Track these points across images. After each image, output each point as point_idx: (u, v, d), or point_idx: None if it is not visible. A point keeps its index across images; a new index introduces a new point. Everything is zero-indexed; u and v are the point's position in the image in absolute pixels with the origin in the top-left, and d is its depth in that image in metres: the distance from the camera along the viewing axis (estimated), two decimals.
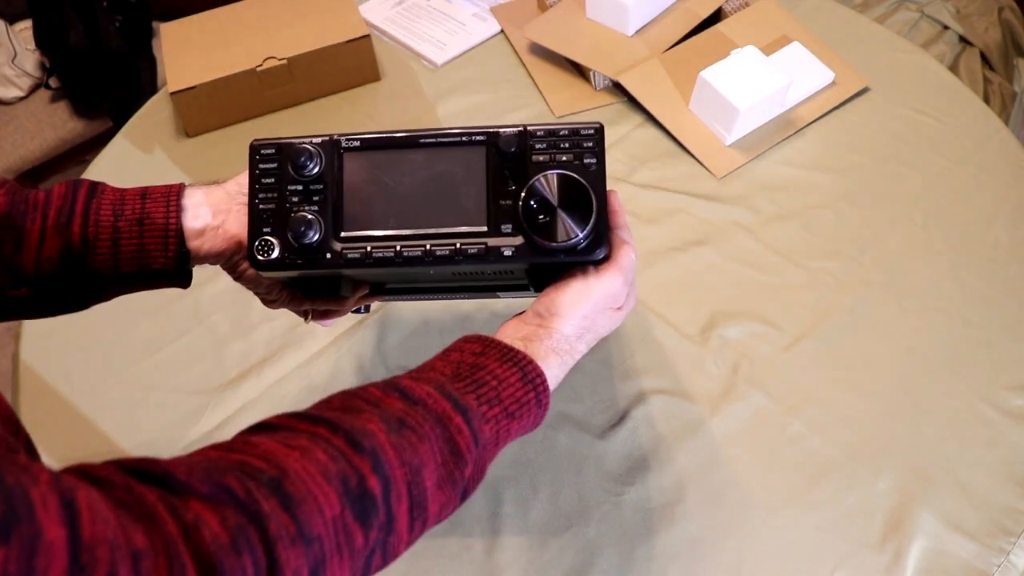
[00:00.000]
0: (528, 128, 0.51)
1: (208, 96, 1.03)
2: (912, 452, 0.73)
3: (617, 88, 1.05)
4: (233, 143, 1.05)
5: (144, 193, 0.54)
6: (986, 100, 1.41)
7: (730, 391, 0.77)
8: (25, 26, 1.70)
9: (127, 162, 1.06)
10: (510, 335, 0.50)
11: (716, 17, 1.11)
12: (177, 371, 0.83)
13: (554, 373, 0.49)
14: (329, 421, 0.40)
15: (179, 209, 0.54)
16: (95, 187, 0.54)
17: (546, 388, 0.48)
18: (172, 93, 1.02)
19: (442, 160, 0.51)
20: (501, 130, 0.51)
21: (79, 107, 1.63)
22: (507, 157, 0.50)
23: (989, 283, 0.84)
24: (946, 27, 1.46)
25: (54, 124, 1.61)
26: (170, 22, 1.12)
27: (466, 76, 1.10)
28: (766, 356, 0.80)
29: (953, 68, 1.41)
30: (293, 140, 0.52)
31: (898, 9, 1.48)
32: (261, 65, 1.03)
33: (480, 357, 0.47)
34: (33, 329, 0.87)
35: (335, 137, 0.52)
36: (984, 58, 1.46)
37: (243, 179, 0.54)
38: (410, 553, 0.69)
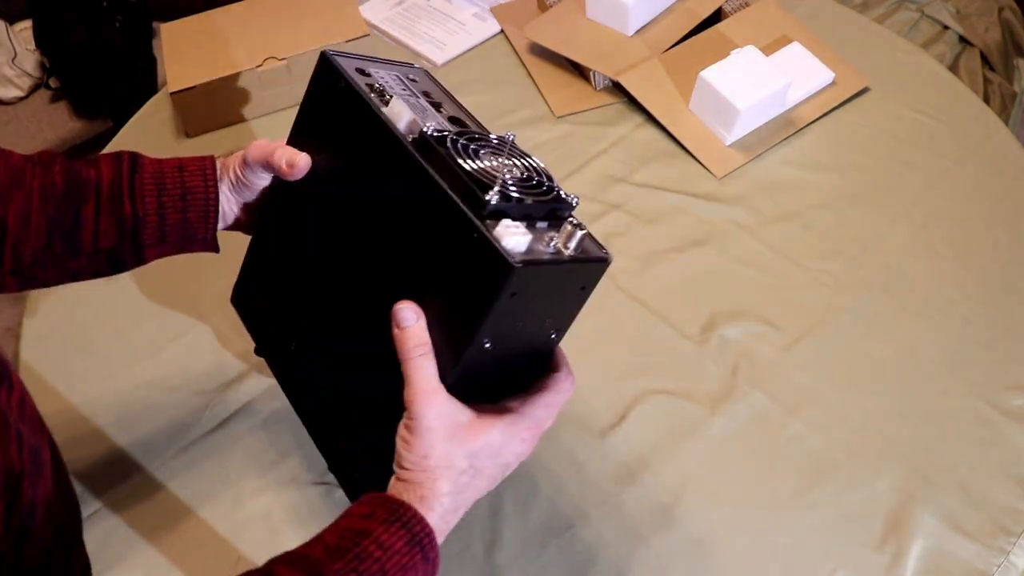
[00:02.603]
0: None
1: (208, 96, 1.03)
2: (912, 452, 0.73)
3: (617, 88, 1.05)
4: (233, 143, 1.05)
5: (180, 166, 0.57)
6: (986, 100, 1.41)
7: (730, 391, 0.77)
8: (25, 26, 1.70)
9: None
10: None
11: (716, 17, 1.11)
12: (177, 371, 0.83)
13: (441, 520, 0.47)
14: None
15: (216, 183, 0.57)
16: (135, 161, 0.57)
17: (433, 544, 0.46)
18: (172, 93, 1.02)
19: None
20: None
21: (79, 107, 1.64)
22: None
23: (989, 283, 0.84)
24: (946, 27, 1.46)
25: (54, 124, 1.61)
26: (170, 22, 1.12)
27: (466, 76, 1.10)
28: (766, 356, 0.80)
29: (953, 68, 1.42)
30: None
31: (898, 9, 1.48)
32: (261, 65, 1.03)
33: (367, 521, 0.45)
34: (33, 329, 0.87)
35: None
36: (984, 58, 1.46)
37: None
38: None
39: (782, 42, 1.05)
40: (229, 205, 0.60)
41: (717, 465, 0.73)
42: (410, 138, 0.47)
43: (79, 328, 0.86)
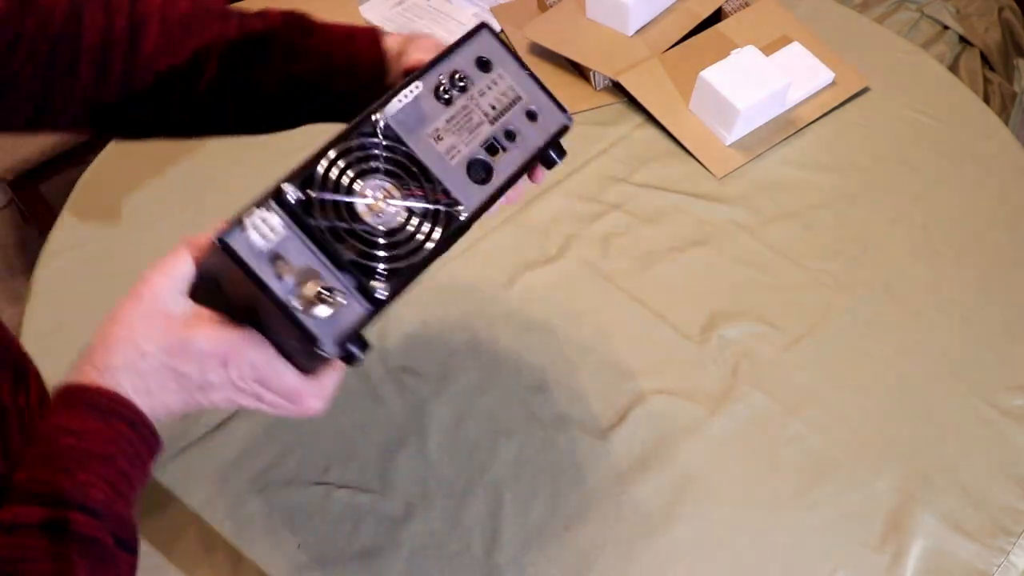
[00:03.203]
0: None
1: None
2: (912, 452, 0.73)
3: (617, 88, 1.05)
4: (234, 143, 1.05)
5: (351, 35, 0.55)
6: (986, 100, 1.41)
7: (730, 391, 0.77)
8: None
9: (128, 163, 1.06)
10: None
11: (716, 17, 1.11)
12: None
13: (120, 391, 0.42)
14: None
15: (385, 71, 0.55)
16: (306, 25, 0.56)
17: (131, 408, 0.42)
18: None
19: None
20: None
21: None
22: None
23: (989, 283, 0.84)
24: (946, 27, 1.47)
25: None
26: None
27: None
28: (766, 356, 0.80)
29: (953, 68, 1.42)
30: None
31: (898, 9, 1.48)
32: None
33: (54, 416, 0.41)
34: (33, 328, 0.87)
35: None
36: (984, 58, 1.46)
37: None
38: (409, 553, 0.69)
39: (782, 42, 1.05)
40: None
41: (717, 465, 0.73)
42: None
43: (79, 328, 0.86)
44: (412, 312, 0.85)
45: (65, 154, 1.63)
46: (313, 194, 0.40)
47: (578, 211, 0.93)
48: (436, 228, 0.43)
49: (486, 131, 0.47)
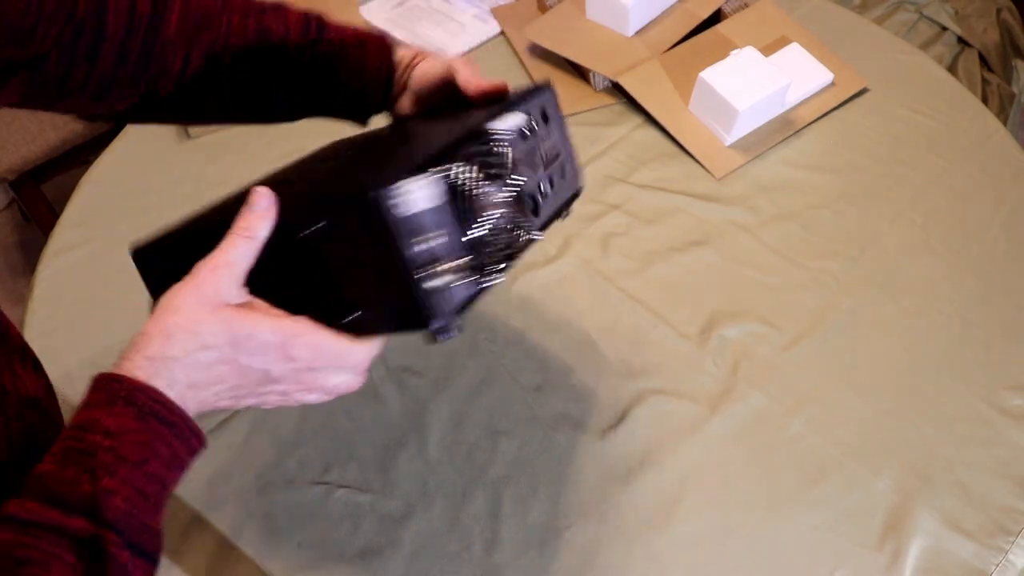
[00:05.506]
0: None
1: None
2: (911, 452, 0.73)
3: (617, 89, 1.05)
4: (234, 144, 1.05)
5: (362, 42, 0.57)
6: (984, 101, 1.41)
7: (729, 391, 0.78)
8: None
9: (129, 163, 1.06)
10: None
11: (715, 18, 1.11)
12: None
13: (169, 389, 0.41)
14: None
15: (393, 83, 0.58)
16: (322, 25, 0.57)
17: (173, 409, 0.41)
18: None
19: None
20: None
21: None
22: None
23: (988, 283, 0.84)
24: (944, 28, 1.47)
25: (56, 125, 1.61)
26: None
27: None
28: (766, 356, 0.80)
29: (951, 69, 1.42)
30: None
31: (897, 10, 1.48)
32: None
33: (91, 409, 0.40)
34: (33, 329, 0.87)
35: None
36: (982, 59, 1.47)
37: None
38: (409, 553, 0.69)
39: (781, 43, 1.05)
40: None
41: (716, 465, 0.73)
42: None
43: (79, 328, 0.87)
44: None
45: (66, 154, 1.63)
46: (458, 178, 0.42)
47: (578, 211, 0.93)
48: (518, 238, 0.46)
49: (540, 173, 0.51)
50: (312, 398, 0.46)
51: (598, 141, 1.01)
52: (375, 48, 0.57)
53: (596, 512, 0.71)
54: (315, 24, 0.57)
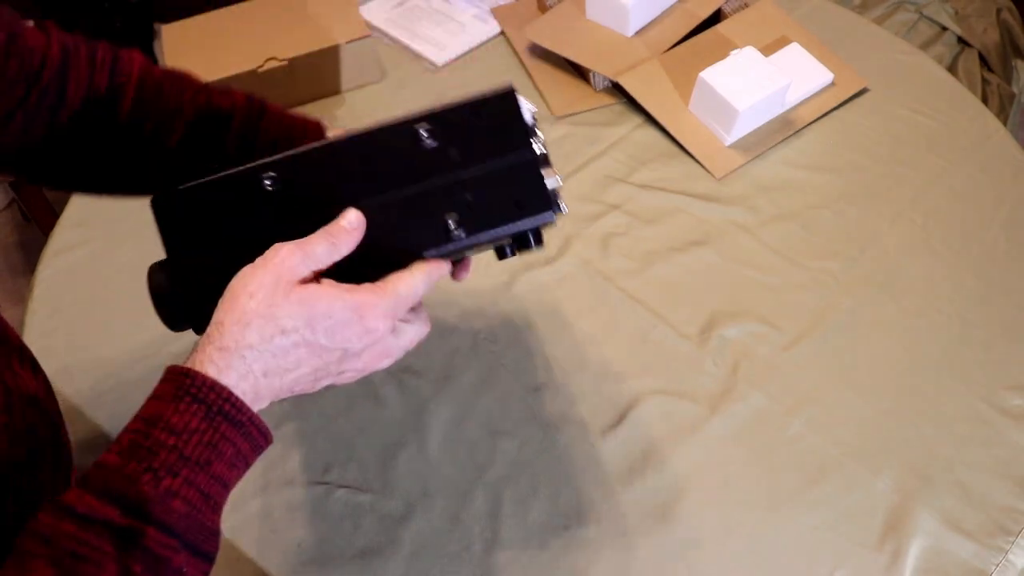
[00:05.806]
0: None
1: None
2: (911, 452, 0.73)
3: (617, 89, 1.05)
4: None
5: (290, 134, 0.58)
6: (984, 101, 1.41)
7: (729, 391, 0.78)
8: None
9: None
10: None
11: (715, 18, 1.11)
12: None
13: (243, 380, 0.41)
14: None
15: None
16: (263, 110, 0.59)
17: (241, 408, 0.40)
18: None
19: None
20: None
21: None
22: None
23: (988, 283, 0.84)
24: (944, 28, 1.47)
25: None
26: (170, 23, 1.12)
27: (466, 77, 1.10)
28: (766, 356, 0.80)
29: (951, 69, 1.42)
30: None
31: (897, 10, 1.48)
32: (262, 66, 1.04)
33: (159, 403, 0.40)
34: (33, 329, 0.87)
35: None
36: (982, 59, 1.47)
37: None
38: (409, 553, 0.69)
39: (781, 43, 1.05)
40: None
41: (717, 465, 0.73)
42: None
43: (79, 328, 0.87)
44: None
45: None
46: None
47: (578, 211, 0.93)
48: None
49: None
50: (387, 363, 0.46)
51: (598, 141, 1.01)
52: (311, 129, 0.59)
53: (596, 512, 0.71)
54: (257, 103, 0.58)
